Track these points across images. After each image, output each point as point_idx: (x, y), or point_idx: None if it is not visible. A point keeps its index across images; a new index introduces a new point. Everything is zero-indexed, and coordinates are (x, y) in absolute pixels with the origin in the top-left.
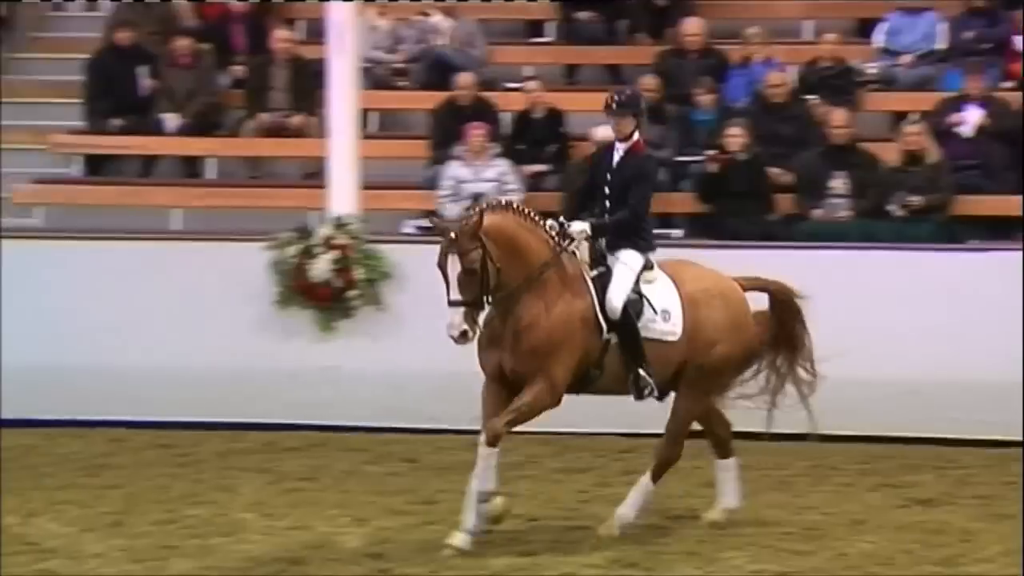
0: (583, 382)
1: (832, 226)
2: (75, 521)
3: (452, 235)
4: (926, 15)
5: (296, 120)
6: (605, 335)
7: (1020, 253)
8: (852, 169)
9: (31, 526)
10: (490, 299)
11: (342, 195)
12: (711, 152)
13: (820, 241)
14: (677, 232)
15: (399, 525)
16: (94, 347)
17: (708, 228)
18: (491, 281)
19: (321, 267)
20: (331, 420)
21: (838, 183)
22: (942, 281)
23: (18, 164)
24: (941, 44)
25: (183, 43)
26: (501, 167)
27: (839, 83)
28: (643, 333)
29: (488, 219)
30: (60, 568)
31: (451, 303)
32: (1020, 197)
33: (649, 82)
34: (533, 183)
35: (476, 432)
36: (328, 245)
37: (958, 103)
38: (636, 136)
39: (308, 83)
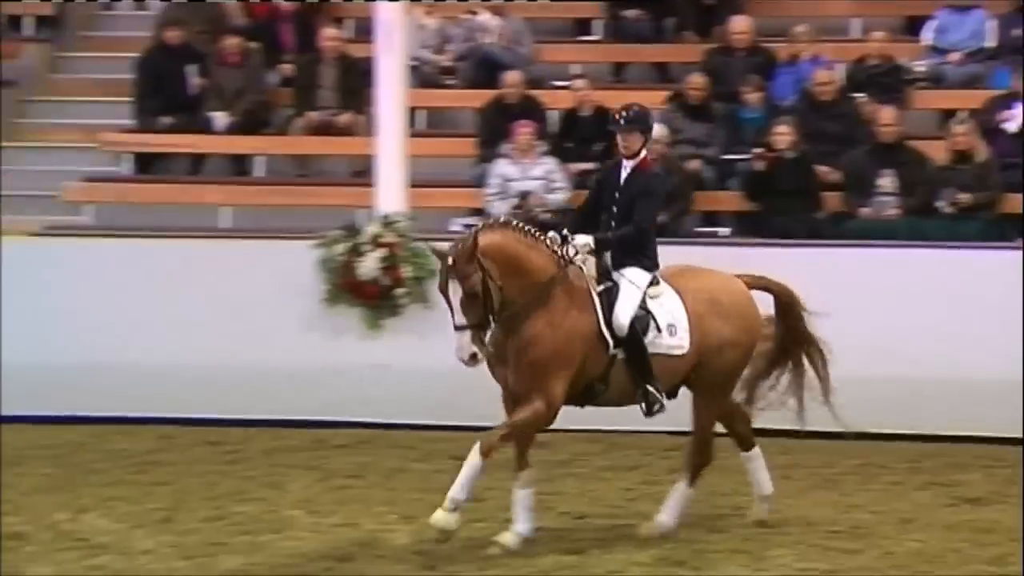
0: (588, 396)
1: (880, 224)
2: (125, 517)
3: (450, 260)
4: (975, 13)
5: (344, 118)
6: (611, 350)
7: None
8: (900, 167)
9: (81, 522)
10: (495, 319)
11: (390, 193)
12: (759, 150)
13: (868, 239)
14: (724, 230)
15: None
16: (143, 344)
17: (755, 226)
18: (495, 301)
19: (369, 265)
20: (378, 417)
21: (886, 181)
22: (991, 279)
23: (69, 162)
24: (990, 42)
25: (232, 42)
26: (548, 165)
27: (887, 81)
28: (650, 349)
29: (485, 239)
30: (111, 564)
31: (456, 327)
32: None
33: (697, 80)
34: (580, 181)
35: None
36: (376, 243)
37: (1007, 101)
38: (644, 153)
39: (356, 81)
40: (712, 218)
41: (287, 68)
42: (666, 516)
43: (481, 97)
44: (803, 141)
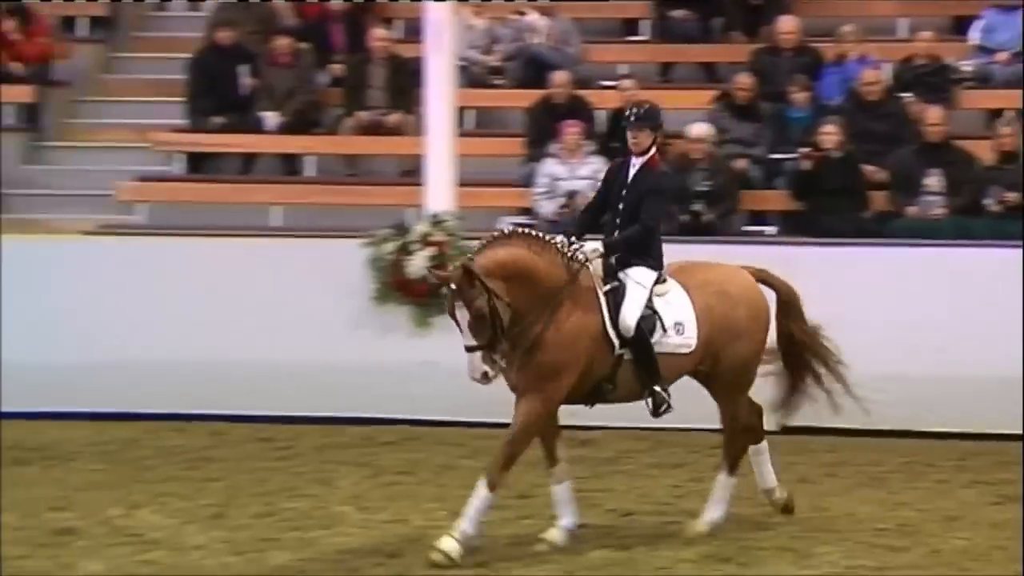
0: (596, 396)
1: (927, 223)
2: (177, 513)
3: (454, 286)
4: (1022, 12)
5: (394, 118)
6: (618, 351)
7: None
8: (947, 166)
9: (134, 518)
10: (506, 336)
11: (439, 192)
12: (805, 149)
13: (915, 238)
14: (771, 229)
15: (494, 519)
16: (195, 342)
17: (802, 225)
18: (504, 319)
19: (418, 263)
20: (427, 414)
21: (933, 180)
22: None
23: (122, 162)
24: None
25: (283, 42)
26: (595, 165)
27: (934, 80)
28: (657, 348)
29: (487, 259)
30: (162, 559)
31: (467, 349)
32: None
33: (744, 80)
34: None
35: (569, 427)
36: (425, 242)
37: None
38: (653, 151)
39: (406, 81)
40: (759, 217)
41: (337, 68)
42: (714, 511)
43: (529, 97)
44: (850, 141)
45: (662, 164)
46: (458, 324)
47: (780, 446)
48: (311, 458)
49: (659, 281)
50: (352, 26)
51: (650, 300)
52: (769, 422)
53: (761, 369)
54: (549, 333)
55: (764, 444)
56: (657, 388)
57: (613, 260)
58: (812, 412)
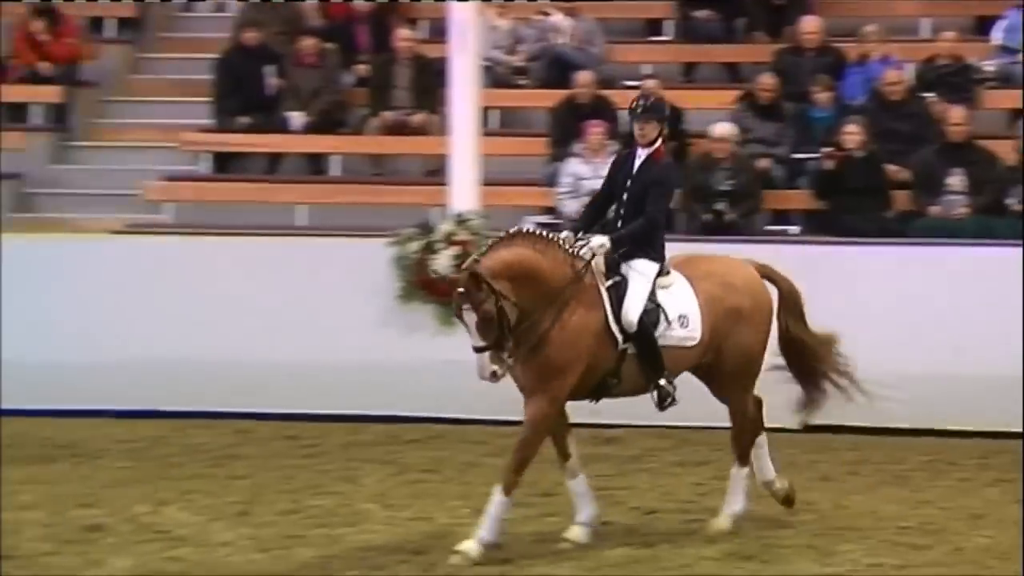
0: (601, 390)
1: (949, 222)
2: (203, 510)
3: (460, 289)
4: None
5: (418, 118)
6: (621, 345)
7: None
8: (969, 166)
9: (161, 515)
10: (513, 335)
11: (463, 192)
12: (828, 149)
13: (937, 237)
14: (794, 229)
15: (518, 517)
16: (221, 340)
17: (825, 225)
18: (511, 319)
19: (442, 262)
20: (452, 413)
21: (955, 180)
22: None
23: (149, 161)
24: None
25: (309, 43)
26: None
27: (957, 80)
28: (662, 341)
29: (494, 260)
30: (189, 556)
31: (475, 350)
32: None
33: (767, 80)
34: None
35: (594, 426)
36: (449, 241)
37: None
38: (659, 143)
39: (430, 81)
40: (782, 216)
41: (362, 68)
42: (733, 504)
43: (553, 97)
44: (872, 140)
45: (667, 156)
46: (466, 326)
47: (802, 444)
48: (336, 456)
49: (662, 273)
50: (377, 26)
51: (653, 293)
52: (792, 421)
53: (765, 364)
54: (554, 331)
55: (763, 437)
56: (662, 382)
57: (617, 254)
58: (835, 410)
